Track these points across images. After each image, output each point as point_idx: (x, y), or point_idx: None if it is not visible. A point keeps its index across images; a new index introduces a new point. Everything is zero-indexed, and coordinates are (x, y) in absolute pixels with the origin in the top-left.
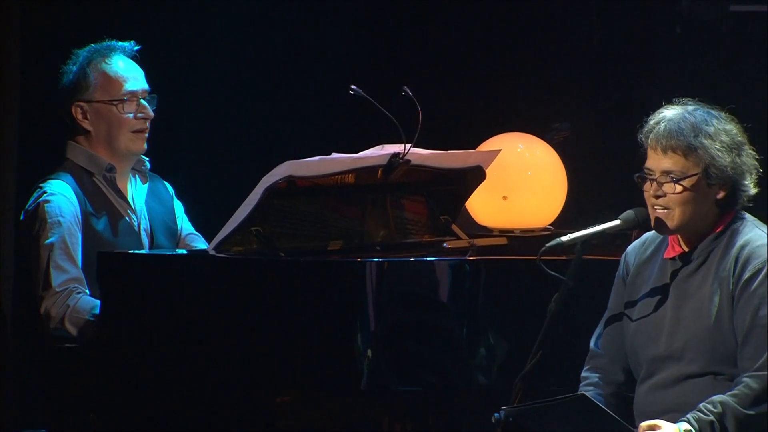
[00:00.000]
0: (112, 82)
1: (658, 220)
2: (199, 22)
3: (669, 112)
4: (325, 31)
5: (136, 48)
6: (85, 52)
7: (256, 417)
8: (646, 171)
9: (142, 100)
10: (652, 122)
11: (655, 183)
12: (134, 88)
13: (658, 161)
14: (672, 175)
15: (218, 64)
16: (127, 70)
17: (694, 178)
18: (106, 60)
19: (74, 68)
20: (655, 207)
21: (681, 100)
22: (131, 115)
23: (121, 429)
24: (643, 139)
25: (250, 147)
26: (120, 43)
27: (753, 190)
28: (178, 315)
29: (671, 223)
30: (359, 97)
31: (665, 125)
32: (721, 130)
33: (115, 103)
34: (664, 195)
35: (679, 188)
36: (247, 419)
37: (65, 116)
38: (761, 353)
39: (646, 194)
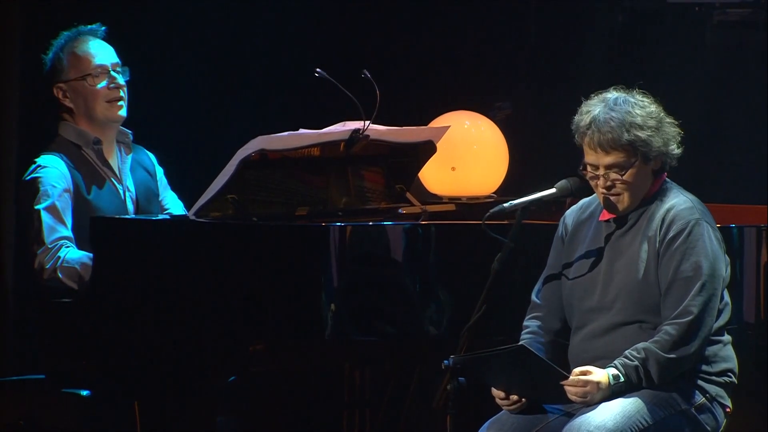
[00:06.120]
0: (81, 61)
1: (611, 204)
2: (178, 5)
3: (594, 110)
4: (295, 22)
5: (103, 28)
6: (59, 39)
7: (232, 363)
8: (590, 167)
9: (112, 72)
10: (582, 124)
11: (602, 177)
12: (103, 62)
13: (598, 158)
14: (616, 168)
15: (200, 50)
16: (94, 48)
17: (635, 164)
18: (76, 43)
19: (51, 55)
20: (607, 196)
21: (598, 93)
22: (103, 85)
23: (110, 373)
24: (576, 138)
25: (226, 123)
26: (88, 27)
27: (678, 152)
28: (162, 273)
29: (623, 206)
30: (324, 79)
31: (596, 127)
32: (645, 115)
33: (86, 77)
34: (614, 185)
35: (625, 176)
36: (224, 365)
37: (52, 98)
38: (680, 303)
39: (592, 183)
